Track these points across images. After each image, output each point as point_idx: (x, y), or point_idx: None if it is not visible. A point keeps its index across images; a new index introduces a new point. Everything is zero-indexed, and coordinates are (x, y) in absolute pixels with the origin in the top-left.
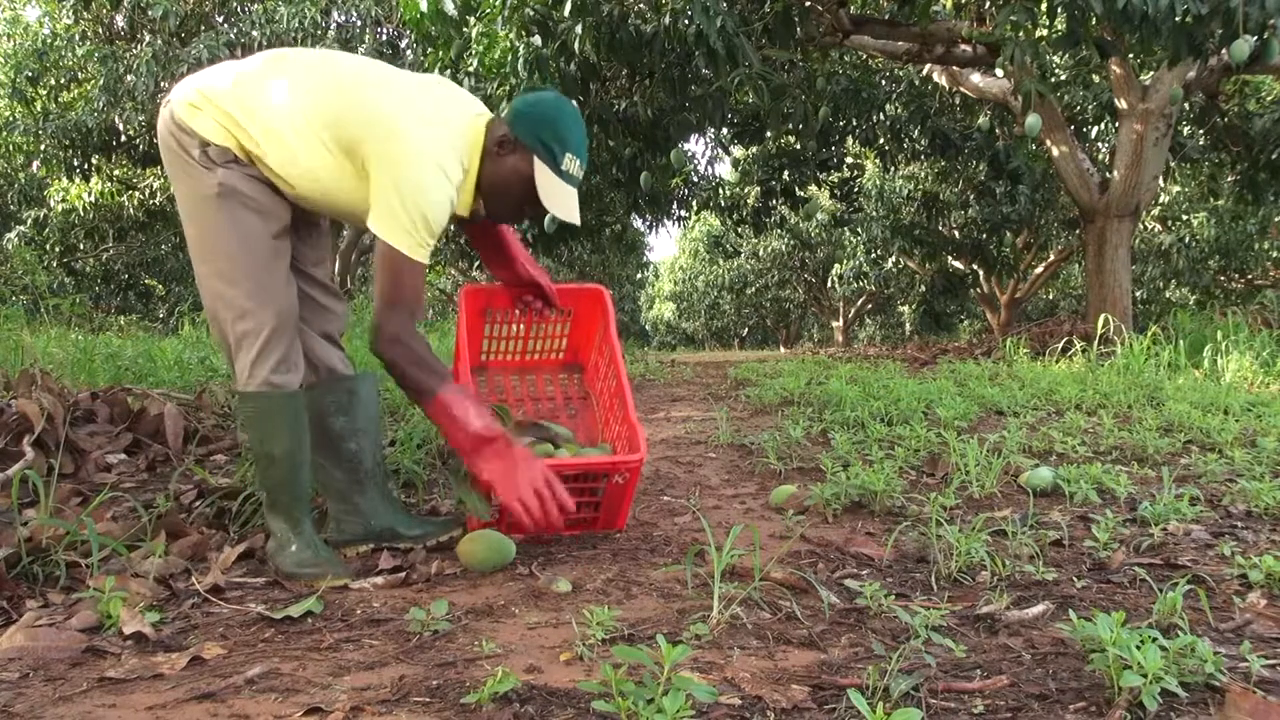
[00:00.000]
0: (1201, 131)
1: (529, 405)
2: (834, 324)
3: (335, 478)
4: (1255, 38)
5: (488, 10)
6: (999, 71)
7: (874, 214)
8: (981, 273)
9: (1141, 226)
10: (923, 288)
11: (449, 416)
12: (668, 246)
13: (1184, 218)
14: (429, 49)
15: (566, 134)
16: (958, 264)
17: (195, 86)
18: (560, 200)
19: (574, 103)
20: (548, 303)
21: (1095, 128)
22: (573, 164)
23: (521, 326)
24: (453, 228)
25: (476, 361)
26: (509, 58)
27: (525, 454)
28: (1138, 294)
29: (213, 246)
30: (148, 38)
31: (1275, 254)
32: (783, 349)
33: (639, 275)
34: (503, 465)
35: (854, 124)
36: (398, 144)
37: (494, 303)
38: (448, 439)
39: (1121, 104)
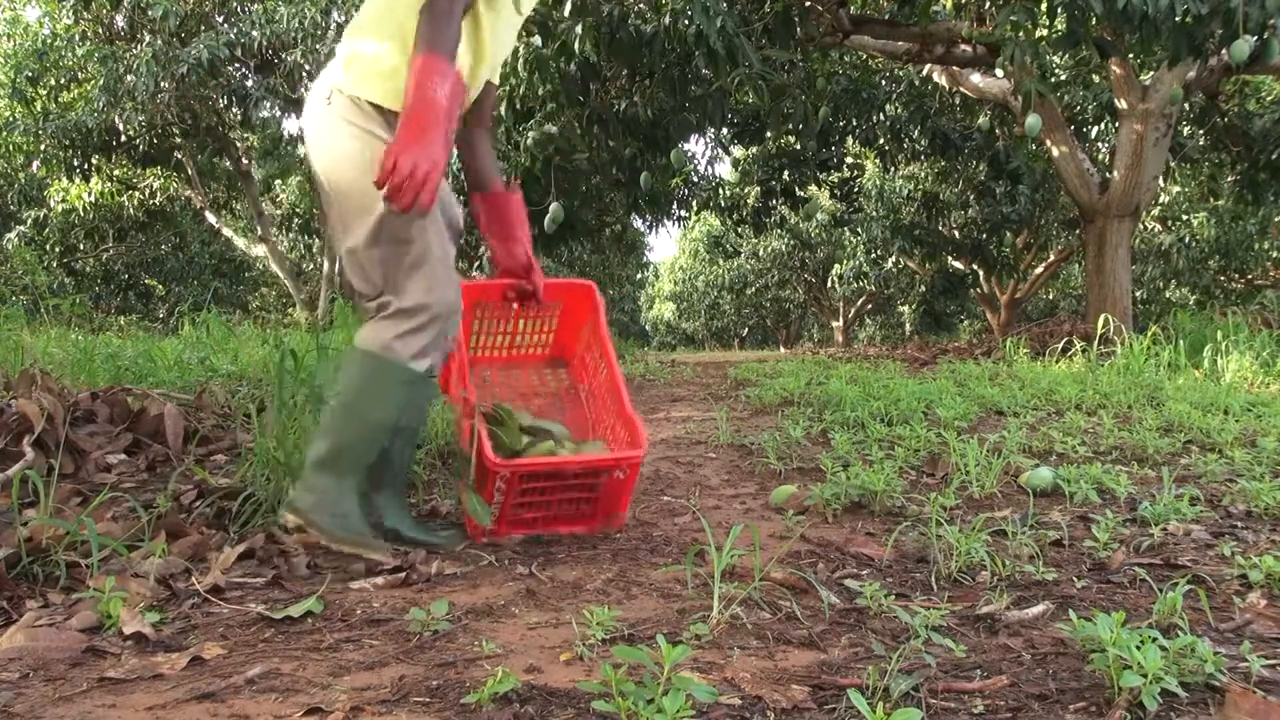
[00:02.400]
0: (1201, 131)
1: (519, 402)
2: (834, 324)
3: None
4: (1255, 38)
5: None
6: (999, 71)
7: (874, 214)
8: (981, 273)
9: (1141, 226)
10: (923, 288)
11: (426, 70)
12: (668, 246)
13: (1184, 218)
14: None
15: None
16: (958, 264)
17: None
18: None
19: None
20: (535, 295)
21: (1095, 128)
22: None
23: (510, 322)
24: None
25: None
26: (509, 57)
27: (446, 137)
28: (1138, 294)
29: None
30: (148, 38)
31: (1275, 254)
32: (783, 349)
33: (639, 275)
34: (427, 131)
35: (854, 124)
36: None
37: (487, 296)
38: (409, 89)
39: (1121, 104)
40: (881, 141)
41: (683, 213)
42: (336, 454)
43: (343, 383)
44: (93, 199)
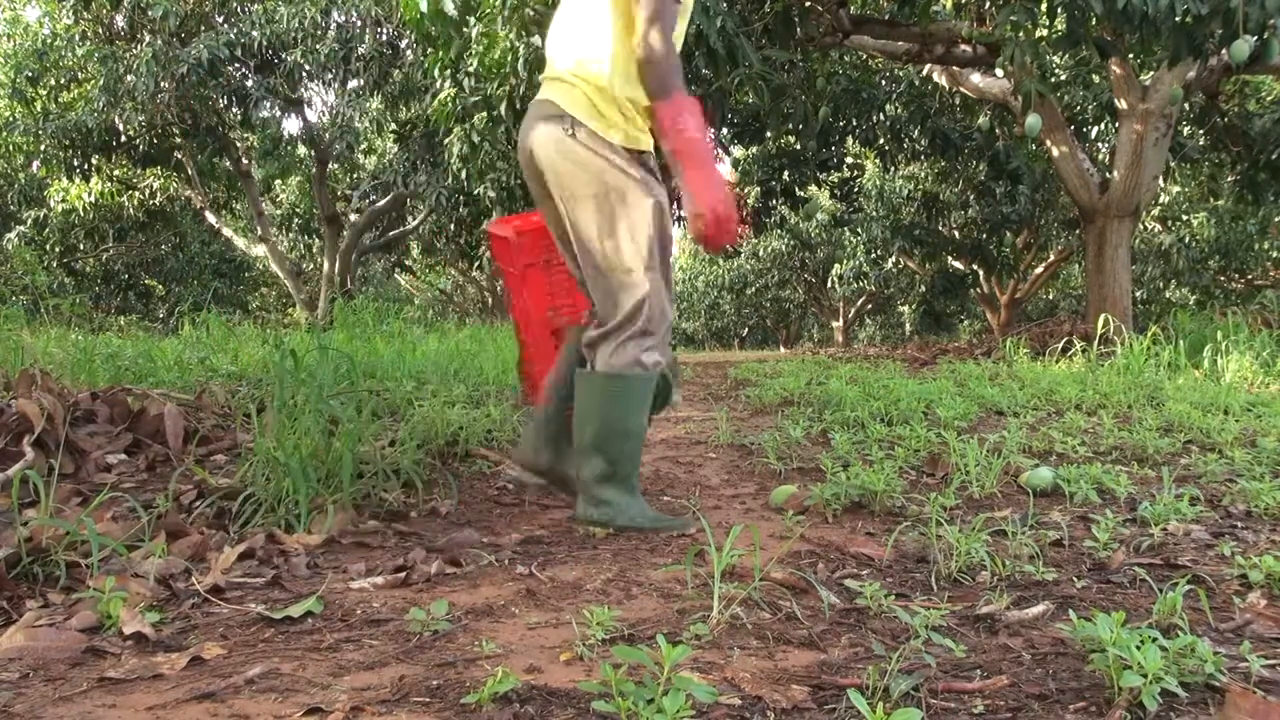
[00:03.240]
0: (1201, 131)
1: None
2: (834, 324)
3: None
4: (1255, 38)
5: (488, 10)
6: (999, 71)
7: (874, 214)
8: (981, 273)
9: (1141, 226)
10: (923, 288)
11: (675, 113)
12: None
13: (1184, 218)
14: (429, 49)
15: None
16: (958, 264)
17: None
18: None
19: None
20: None
21: (1095, 128)
22: None
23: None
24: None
25: (551, 326)
26: (509, 58)
27: (719, 172)
28: (1138, 294)
29: (635, 238)
30: (148, 38)
31: (1275, 254)
32: (783, 349)
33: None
34: (705, 173)
35: (854, 124)
36: None
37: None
38: (664, 136)
39: (1121, 104)
40: (881, 141)
41: (683, 213)
42: (613, 467)
43: (597, 407)
44: (93, 199)
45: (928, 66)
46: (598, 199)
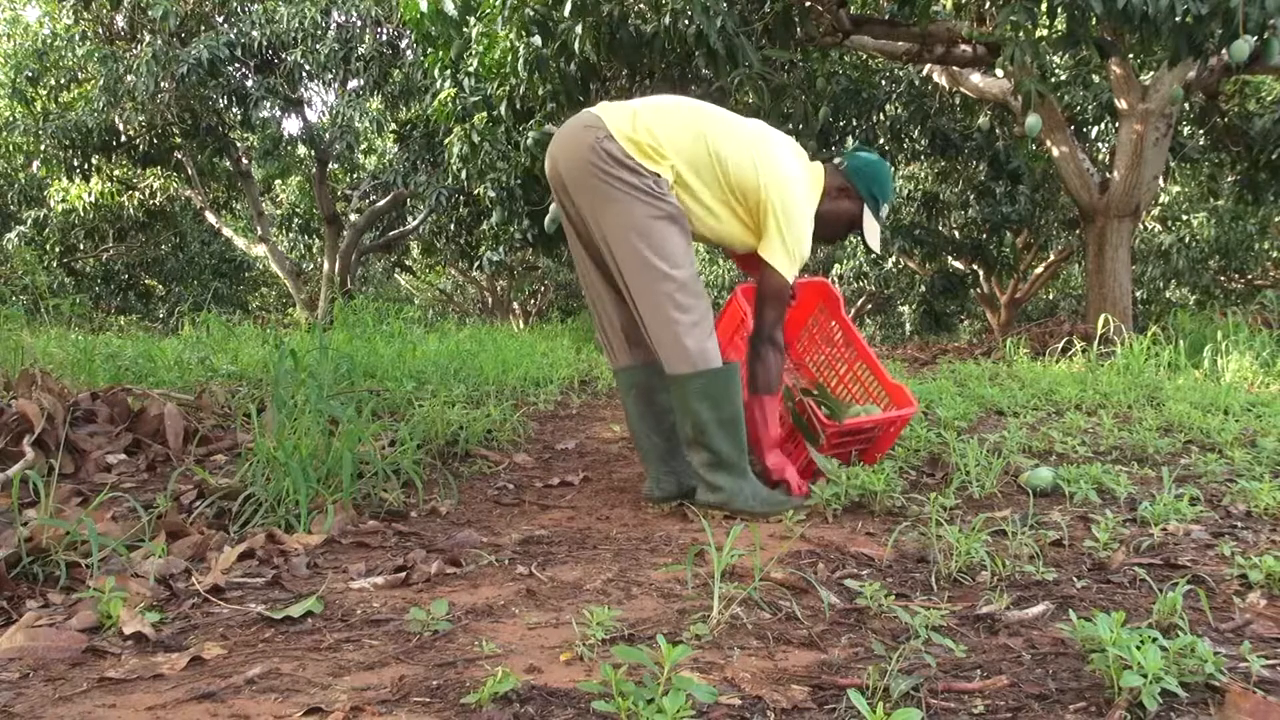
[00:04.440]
0: (1201, 131)
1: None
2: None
3: (656, 444)
4: (1255, 38)
5: (488, 10)
6: (999, 71)
7: None
8: (981, 273)
9: (1141, 226)
10: (923, 288)
11: (768, 413)
12: None
13: (1184, 218)
14: (429, 49)
15: (888, 190)
16: (958, 264)
17: (637, 128)
18: (875, 236)
19: (889, 165)
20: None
21: (1095, 128)
22: (885, 210)
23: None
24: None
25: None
26: (509, 58)
27: (782, 454)
28: (1138, 294)
29: (668, 256)
30: (148, 38)
31: (1275, 254)
32: None
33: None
34: (779, 458)
35: (854, 124)
36: (790, 197)
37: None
38: (754, 426)
39: (1121, 104)
40: (881, 141)
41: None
42: (724, 457)
43: (690, 407)
44: (93, 199)
45: (928, 66)
46: None
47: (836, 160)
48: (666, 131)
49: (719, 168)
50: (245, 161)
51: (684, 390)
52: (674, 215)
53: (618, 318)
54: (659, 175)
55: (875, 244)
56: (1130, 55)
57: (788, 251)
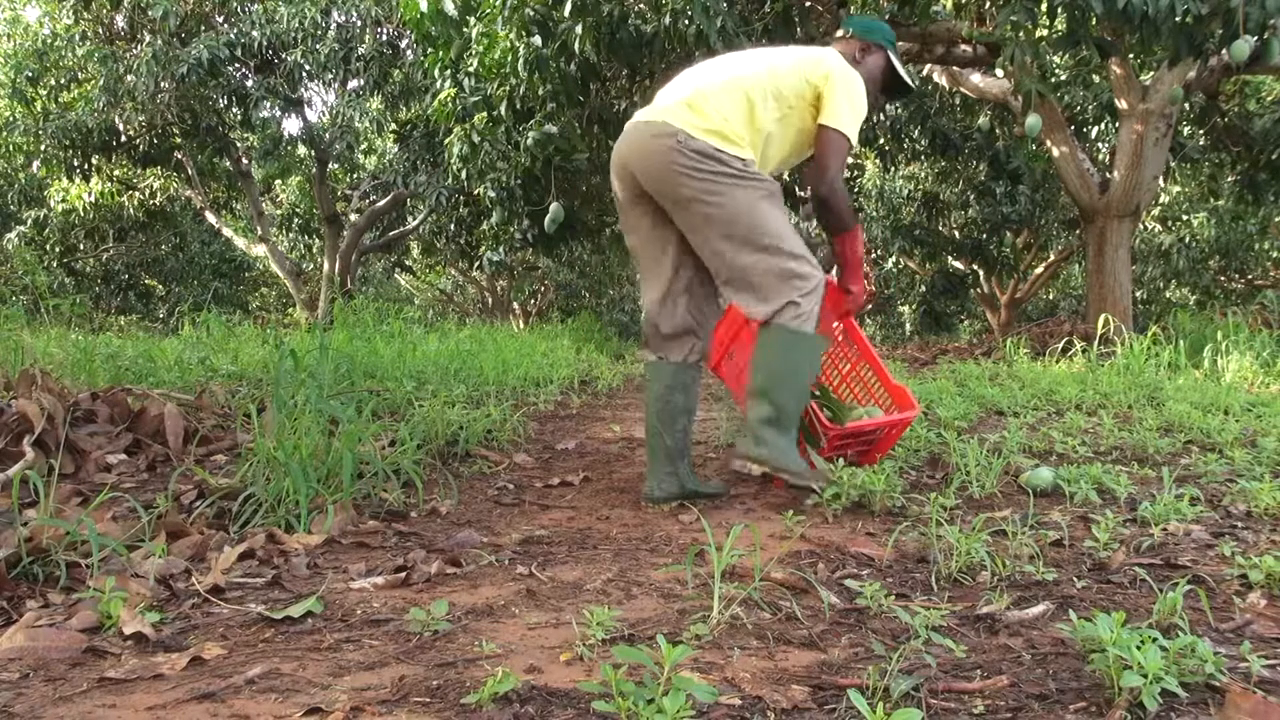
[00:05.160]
0: (1201, 131)
1: None
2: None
3: (665, 444)
4: (1255, 38)
5: (488, 10)
6: (999, 71)
7: (874, 214)
8: (981, 273)
9: (1141, 226)
10: (923, 288)
11: (858, 244)
12: None
13: (1184, 218)
14: (429, 49)
15: (890, 31)
16: (958, 264)
17: (707, 116)
18: (907, 74)
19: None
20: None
21: (1095, 128)
22: (897, 48)
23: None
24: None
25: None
26: (509, 58)
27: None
28: (1138, 294)
29: (777, 233)
30: (148, 38)
31: (1275, 254)
32: None
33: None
34: (861, 276)
35: None
36: (840, 70)
37: None
38: (848, 256)
39: (1121, 104)
40: (881, 141)
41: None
42: (785, 419)
43: (773, 360)
44: (93, 199)
45: (928, 66)
46: None
47: (839, 33)
48: (730, 113)
49: (779, 101)
50: (245, 161)
51: (779, 340)
52: (773, 192)
53: (663, 312)
54: (746, 158)
55: (912, 79)
56: (1130, 55)
57: (852, 110)
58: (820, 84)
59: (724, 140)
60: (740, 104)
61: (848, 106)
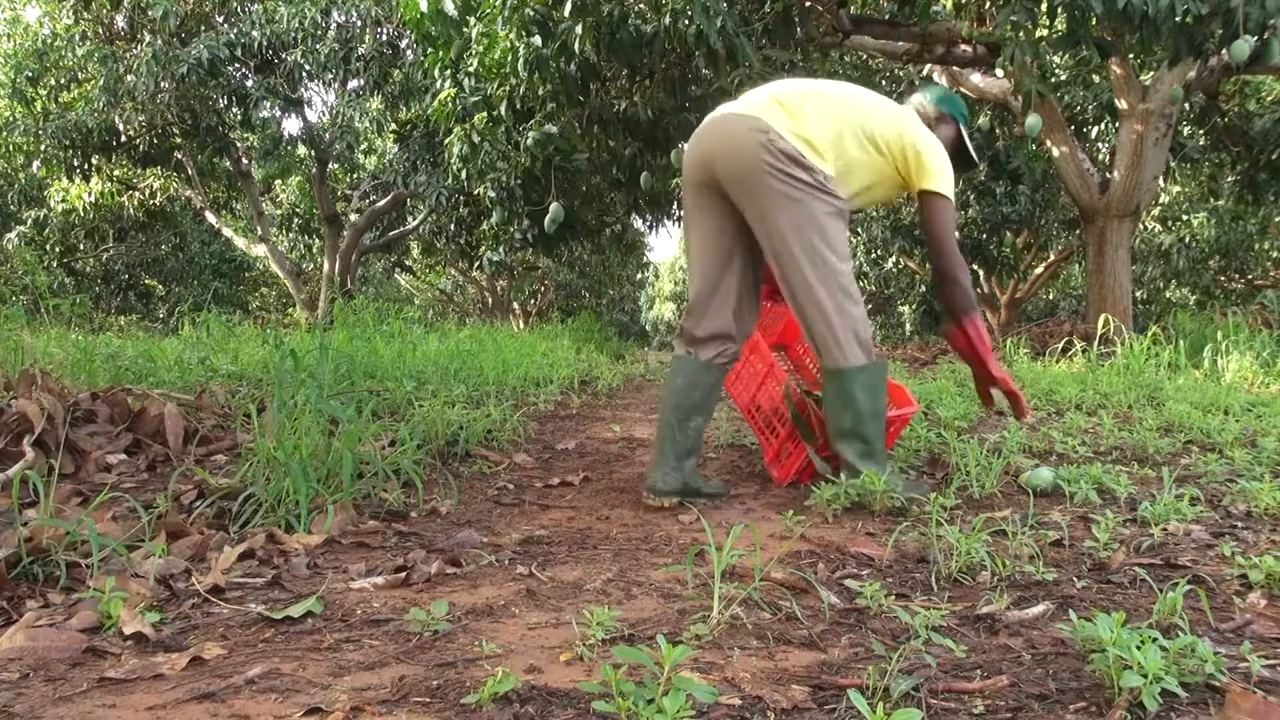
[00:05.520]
0: (1201, 131)
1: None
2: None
3: (677, 439)
4: (1255, 38)
5: (488, 10)
6: (999, 71)
7: (874, 214)
8: (982, 273)
9: (1141, 226)
10: (923, 288)
11: (978, 330)
12: (668, 247)
13: (1184, 218)
14: (429, 49)
15: (964, 107)
16: None
17: (800, 124)
18: (972, 149)
19: None
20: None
21: (1095, 128)
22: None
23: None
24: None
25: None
26: (509, 58)
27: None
28: (1138, 294)
29: (840, 251)
30: (148, 38)
31: (1275, 254)
32: None
33: (639, 275)
34: (1002, 369)
35: None
36: (927, 135)
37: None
38: (967, 345)
39: (1121, 104)
40: None
41: (683, 213)
42: (872, 447)
43: (857, 399)
44: (93, 199)
45: (928, 66)
46: None
47: (915, 99)
48: (818, 127)
49: (868, 137)
50: (245, 161)
51: (851, 382)
52: (843, 211)
53: (707, 308)
54: (827, 173)
55: (976, 155)
56: (1130, 55)
57: (949, 176)
58: (916, 142)
59: (811, 150)
60: (829, 126)
61: (946, 172)
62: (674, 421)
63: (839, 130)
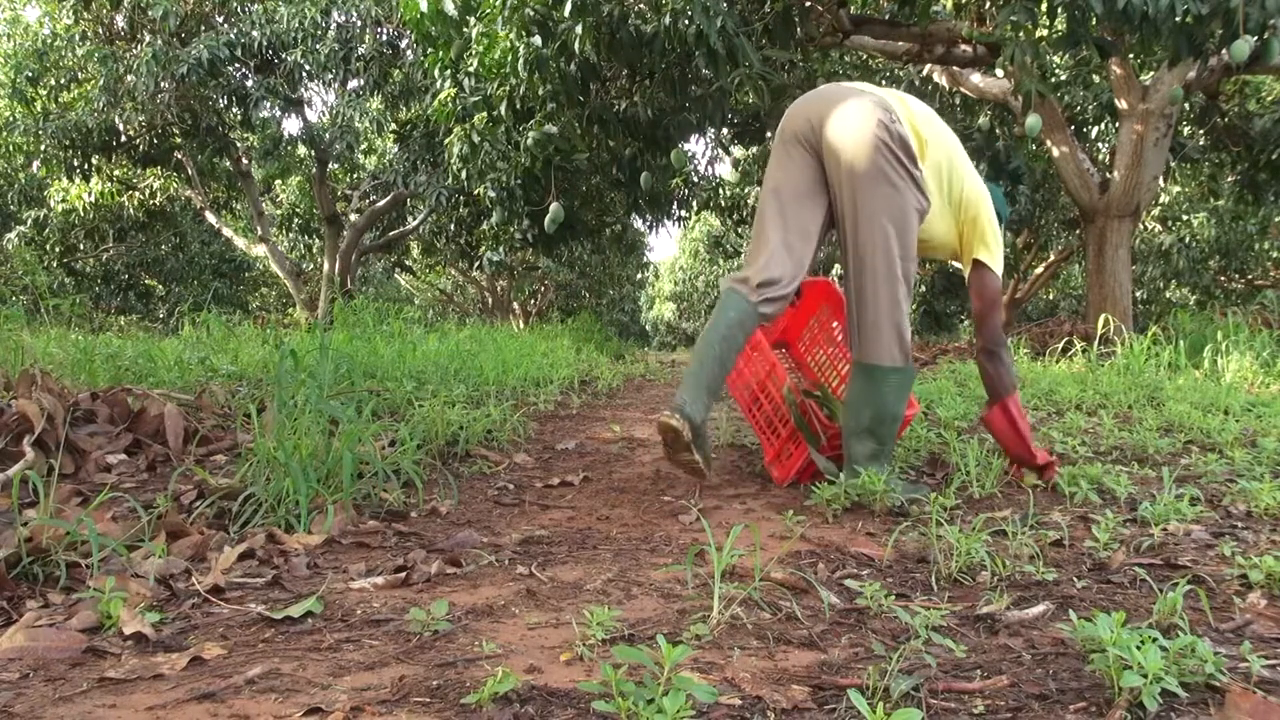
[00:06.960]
0: (1201, 131)
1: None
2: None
3: (714, 373)
4: (1255, 38)
5: (488, 10)
6: (999, 71)
7: None
8: None
9: (1141, 226)
10: (923, 288)
11: (1016, 411)
12: (668, 247)
13: (1184, 218)
14: (429, 49)
15: (1008, 212)
16: (958, 264)
17: (916, 124)
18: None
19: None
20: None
21: (1095, 128)
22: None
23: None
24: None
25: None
26: (509, 58)
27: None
28: (1138, 294)
29: (908, 249)
30: (148, 38)
31: (1275, 254)
32: None
33: (639, 275)
34: (1041, 451)
35: None
36: (989, 202)
37: None
38: (1008, 426)
39: (1121, 104)
40: None
41: (683, 213)
42: (885, 446)
43: (874, 397)
44: (93, 199)
45: (928, 66)
46: None
47: None
48: (931, 142)
49: (953, 181)
50: (245, 161)
51: (883, 381)
52: (924, 213)
53: (774, 257)
54: (923, 174)
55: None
56: (1130, 55)
57: (1000, 253)
58: (986, 211)
59: (920, 145)
60: (937, 150)
61: (1000, 248)
62: (718, 355)
63: (938, 161)
